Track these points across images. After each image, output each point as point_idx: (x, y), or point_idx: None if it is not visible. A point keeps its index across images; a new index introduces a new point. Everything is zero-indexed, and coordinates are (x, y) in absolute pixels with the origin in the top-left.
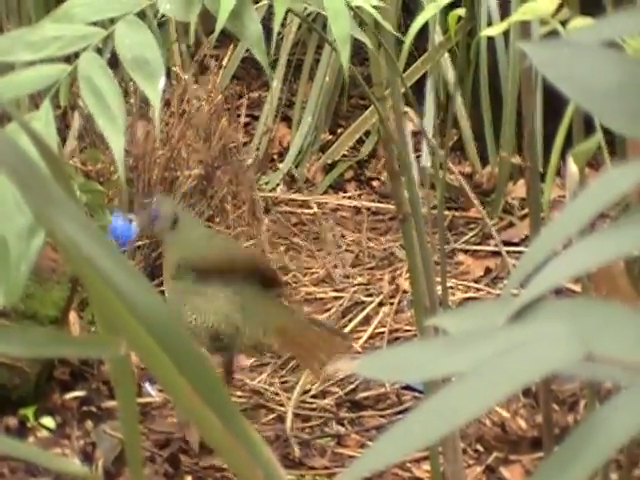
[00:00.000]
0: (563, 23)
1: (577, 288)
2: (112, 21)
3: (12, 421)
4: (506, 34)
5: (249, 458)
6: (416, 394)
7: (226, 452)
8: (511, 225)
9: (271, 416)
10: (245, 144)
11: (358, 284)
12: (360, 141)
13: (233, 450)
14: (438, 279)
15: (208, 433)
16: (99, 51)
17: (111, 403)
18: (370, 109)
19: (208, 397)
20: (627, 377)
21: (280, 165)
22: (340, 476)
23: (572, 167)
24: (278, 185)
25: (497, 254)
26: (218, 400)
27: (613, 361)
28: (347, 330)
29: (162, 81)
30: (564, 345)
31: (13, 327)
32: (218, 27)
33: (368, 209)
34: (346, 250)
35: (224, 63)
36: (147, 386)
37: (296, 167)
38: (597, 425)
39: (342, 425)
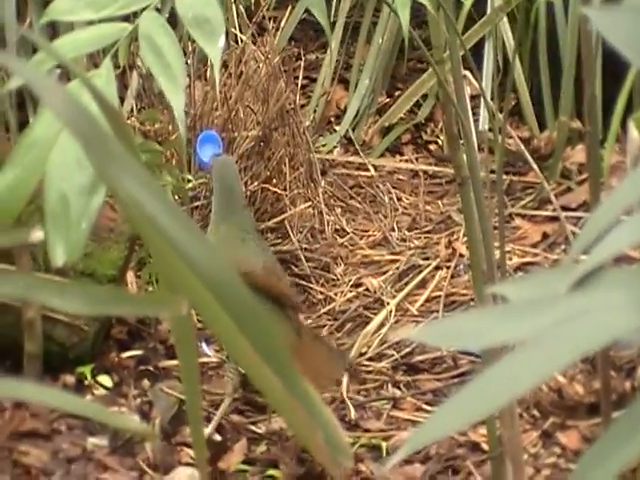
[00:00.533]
0: None
1: (636, 254)
2: None
3: (69, 379)
4: None
5: (309, 418)
6: (473, 358)
7: (286, 412)
8: (569, 190)
9: None
10: (302, 106)
11: (415, 247)
12: (417, 104)
13: (293, 410)
14: (496, 243)
15: (268, 392)
16: (157, 11)
17: (168, 362)
18: (428, 72)
19: (268, 356)
20: None
21: (337, 127)
22: (401, 444)
23: (633, 132)
24: (335, 147)
25: (554, 219)
26: (278, 360)
27: None
28: (404, 293)
29: (222, 39)
30: (624, 313)
31: (73, 284)
32: None
33: (425, 172)
34: (403, 213)
35: (282, 25)
36: (203, 346)
37: (353, 130)
38: None
39: (398, 388)
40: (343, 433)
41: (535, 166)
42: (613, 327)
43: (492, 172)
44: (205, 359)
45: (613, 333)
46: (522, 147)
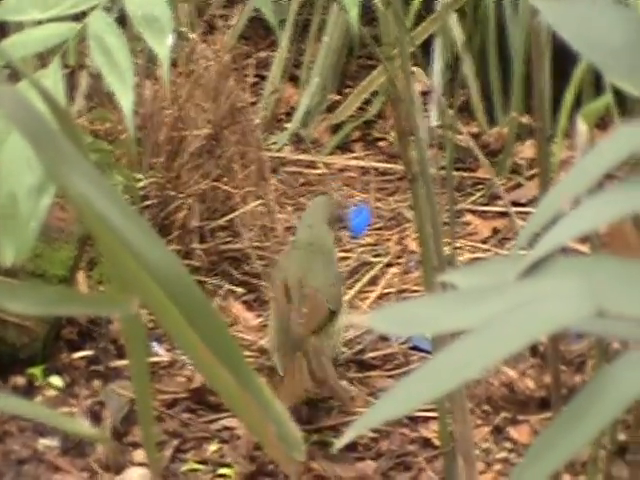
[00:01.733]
0: None
1: (584, 249)
2: None
3: (20, 380)
4: None
5: (262, 413)
6: (424, 354)
7: (239, 407)
8: (519, 186)
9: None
10: (253, 104)
11: (366, 244)
12: (367, 101)
13: (246, 405)
14: (447, 239)
15: (221, 389)
16: (106, 10)
17: (119, 362)
18: (378, 69)
19: (220, 353)
20: (637, 334)
21: (287, 125)
22: (348, 428)
23: (581, 127)
24: (285, 145)
25: (505, 215)
26: (230, 356)
27: (624, 318)
28: (355, 290)
29: (170, 38)
30: (575, 301)
31: (23, 285)
32: None
33: (375, 169)
34: None
35: (232, 23)
36: (155, 345)
37: (303, 127)
38: (604, 384)
39: (350, 385)
40: (296, 428)
41: (485, 162)
42: (563, 314)
43: (442, 168)
44: (156, 358)
45: (563, 320)
46: (472, 143)
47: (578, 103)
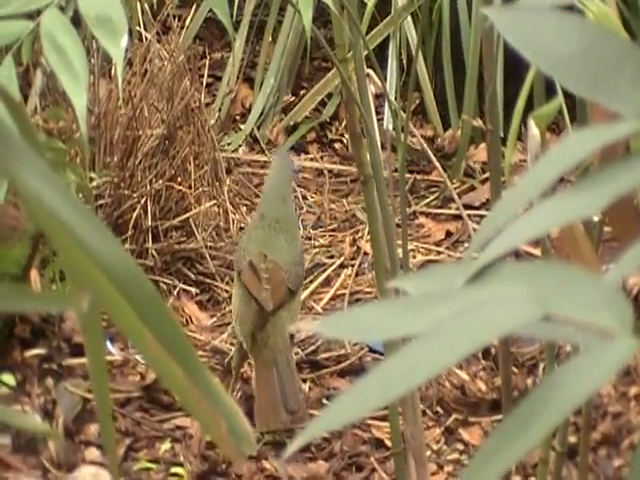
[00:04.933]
0: None
1: (537, 252)
2: None
3: None
4: None
5: (213, 408)
6: (377, 356)
7: (190, 402)
8: (472, 189)
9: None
10: (207, 105)
11: (320, 246)
12: (322, 103)
13: (197, 401)
14: (399, 242)
15: (172, 384)
16: (62, 9)
17: (72, 361)
18: (332, 71)
19: (172, 349)
20: (583, 338)
21: (242, 126)
22: (299, 434)
23: (533, 130)
24: (240, 146)
25: (458, 217)
26: (182, 352)
27: (570, 322)
28: (308, 291)
29: (125, 39)
30: (522, 306)
31: None
32: None
33: (330, 171)
34: (308, 212)
35: (187, 23)
36: (108, 344)
37: (258, 128)
38: (554, 387)
39: (303, 383)
40: (246, 423)
41: (438, 164)
42: (510, 319)
43: (396, 171)
44: (110, 357)
45: (510, 325)
46: (425, 145)
47: (531, 106)
